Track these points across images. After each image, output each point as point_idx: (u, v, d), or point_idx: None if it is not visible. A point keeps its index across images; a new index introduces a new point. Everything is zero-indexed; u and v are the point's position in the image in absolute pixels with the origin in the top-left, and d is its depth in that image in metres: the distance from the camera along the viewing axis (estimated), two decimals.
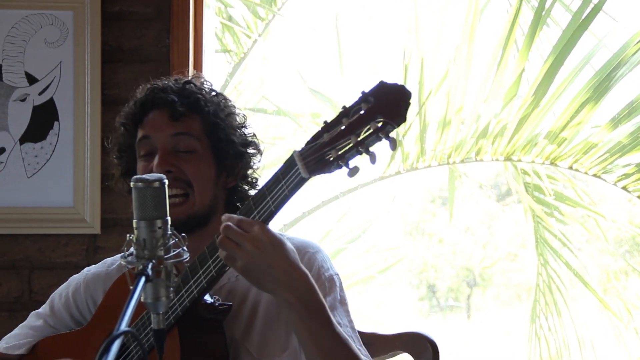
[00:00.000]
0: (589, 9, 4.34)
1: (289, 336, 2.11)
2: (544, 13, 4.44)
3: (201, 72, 3.31)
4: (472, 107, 4.51)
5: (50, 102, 3.27)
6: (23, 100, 3.28)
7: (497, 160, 4.61)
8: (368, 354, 2.10)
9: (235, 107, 2.29)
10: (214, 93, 2.27)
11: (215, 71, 3.68)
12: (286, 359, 2.11)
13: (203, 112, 2.21)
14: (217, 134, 2.21)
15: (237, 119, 2.27)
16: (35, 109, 3.27)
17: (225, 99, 2.28)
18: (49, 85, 3.27)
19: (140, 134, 2.23)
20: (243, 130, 2.27)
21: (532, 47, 4.41)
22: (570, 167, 4.55)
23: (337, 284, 2.15)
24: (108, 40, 3.29)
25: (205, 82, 2.30)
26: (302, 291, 1.96)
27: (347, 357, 2.00)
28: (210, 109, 2.22)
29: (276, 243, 1.94)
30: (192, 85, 2.24)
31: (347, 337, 2.02)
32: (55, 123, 3.27)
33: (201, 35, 3.34)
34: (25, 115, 3.27)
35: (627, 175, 4.50)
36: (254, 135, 2.29)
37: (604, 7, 4.33)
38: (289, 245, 1.98)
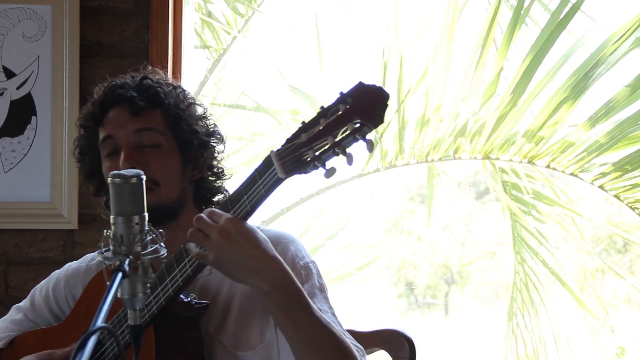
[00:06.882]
0: (567, 9, 4.35)
1: (264, 330, 2.11)
2: (522, 12, 4.45)
3: (180, 68, 3.31)
4: (451, 106, 4.51)
5: (28, 96, 3.25)
6: (0, 94, 3.26)
7: (475, 158, 4.62)
8: (353, 338, 2.08)
9: (194, 98, 2.28)
10: (171, 86, 2.25)
11: (194, 67, 3.67)
12: (261, 352, 2.10)
13: (163, 105, 2.20)
14: (180, 126, 2.20)
15: (198, 109, 2.26)
16: (13, 103, 3.25)
17: (183, 90, 2.27)
18: (27, 80, 3.25)
19: (102, 134, 2.21)
20: (205, 121, 2.26)
21: (510, 46, 4.42)
22: (548, 166, 4.57)
23: (314, 271, 2.15)
24: (87, 35, 3.28)
25: (162, 76, 2.28)
26: (276, 278, 1.94)
27: (330, 341, 1.98)
28: (170, 101, 2.20)
29: (245, 232, 1.92)
30: (149, 80, 2.23)
31: (328, 321, 2.00)
32: (33, 118, 3.25)
33: (180, 31, 3.34)
34: (3, 110, 3.25)
35: (604, 175, 4.52)
36: (215, 125, 2.28)
37: (582, 6, 4.34)
38: (260, 234, 1.96)
